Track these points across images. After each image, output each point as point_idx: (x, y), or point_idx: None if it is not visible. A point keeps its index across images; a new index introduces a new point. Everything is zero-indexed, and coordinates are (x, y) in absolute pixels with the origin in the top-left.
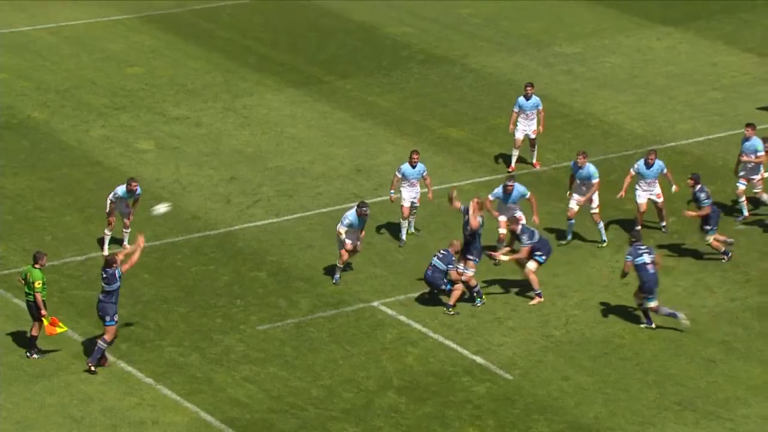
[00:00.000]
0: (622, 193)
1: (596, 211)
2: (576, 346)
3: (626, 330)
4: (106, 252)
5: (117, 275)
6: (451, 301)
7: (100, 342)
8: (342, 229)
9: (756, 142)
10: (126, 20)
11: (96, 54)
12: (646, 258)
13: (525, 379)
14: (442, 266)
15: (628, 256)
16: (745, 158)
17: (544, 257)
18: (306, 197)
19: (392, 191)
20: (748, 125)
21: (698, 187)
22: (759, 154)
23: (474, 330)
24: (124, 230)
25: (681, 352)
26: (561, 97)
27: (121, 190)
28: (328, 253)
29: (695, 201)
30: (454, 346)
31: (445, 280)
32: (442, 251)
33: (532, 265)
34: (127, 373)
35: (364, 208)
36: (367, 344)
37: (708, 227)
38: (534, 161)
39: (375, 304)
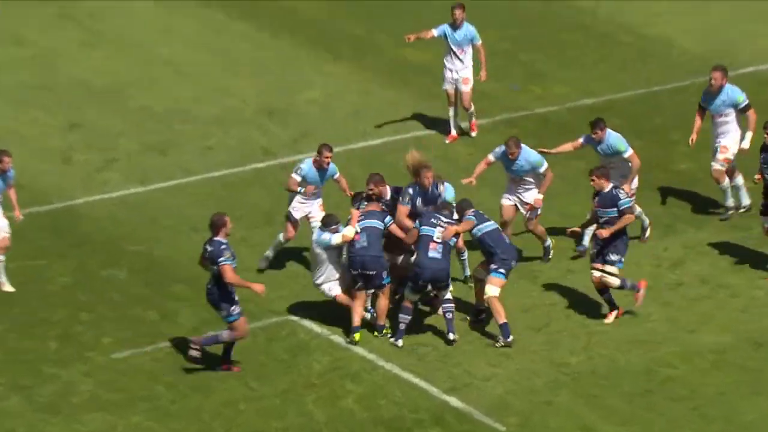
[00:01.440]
0: (694, 136)
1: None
2: (602, 380)
3: (678, 355)
4: None
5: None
6: (380, 321)
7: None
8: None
9: (735, 92)
10: None
11: None
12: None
13: (525, 430)
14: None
15: (471, 216)
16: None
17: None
18: (189, 154)
19: (300, 189)
20: (716, 68)
21: None
22: (741, 106)
23: (447, 356)
24: None
25: (761, 389)
26: (577, 0)
27: None
28: None
29: None
30: (417, 380)
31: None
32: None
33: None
34: None
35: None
36: (284, 378)
37: None
38: (471, 122)
39: (295, 318)
